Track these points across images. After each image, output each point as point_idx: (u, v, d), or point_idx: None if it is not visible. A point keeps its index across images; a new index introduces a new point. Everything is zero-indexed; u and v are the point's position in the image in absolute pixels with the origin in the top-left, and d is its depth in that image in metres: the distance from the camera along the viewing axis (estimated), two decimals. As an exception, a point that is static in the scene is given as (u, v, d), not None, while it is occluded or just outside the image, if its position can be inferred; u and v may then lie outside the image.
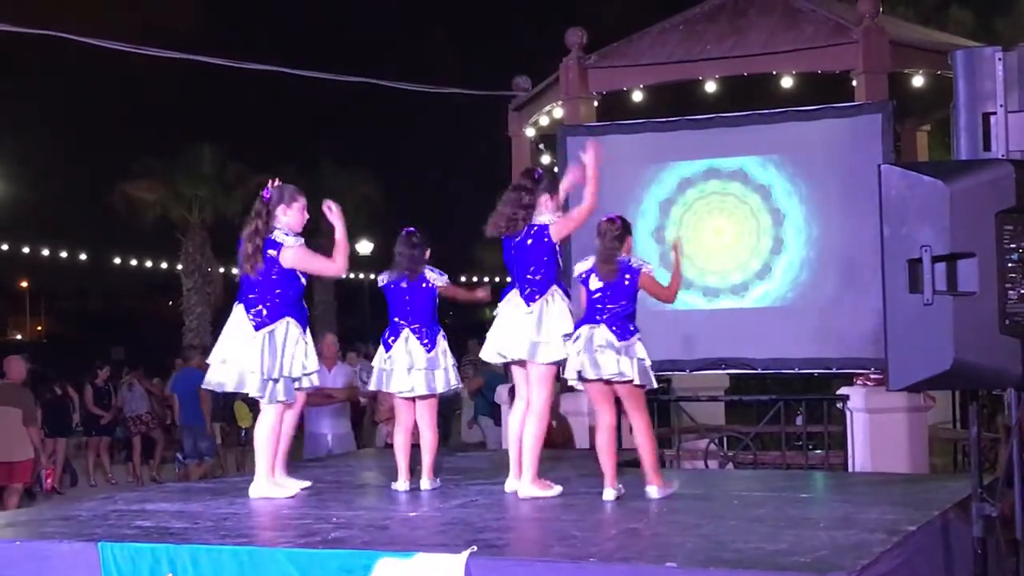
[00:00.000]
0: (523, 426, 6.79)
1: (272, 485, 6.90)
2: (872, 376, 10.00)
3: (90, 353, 21.73)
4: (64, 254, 36.26)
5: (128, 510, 6.38)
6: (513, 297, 6.84)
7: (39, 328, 55.33)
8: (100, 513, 6.28)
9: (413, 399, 7.24)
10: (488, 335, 6.96)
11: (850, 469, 9.88)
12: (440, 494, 6.91)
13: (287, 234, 6.84)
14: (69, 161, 54.06)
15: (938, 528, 5.64)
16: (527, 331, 6.69)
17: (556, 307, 6.72)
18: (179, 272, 28.86)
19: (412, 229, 7.29)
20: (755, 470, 10.09)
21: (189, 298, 27.69)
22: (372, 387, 7.47)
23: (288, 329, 6.80)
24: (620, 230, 6.66)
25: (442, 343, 7.21)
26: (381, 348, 7.30)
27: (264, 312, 6.77)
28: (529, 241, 6.77)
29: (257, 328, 6.75)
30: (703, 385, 12.49)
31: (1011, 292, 4.76)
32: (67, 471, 15.99)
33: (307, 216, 6.98)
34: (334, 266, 7.02)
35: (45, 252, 35.91)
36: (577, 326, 6.66)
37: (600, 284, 6.62)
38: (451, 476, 7.55)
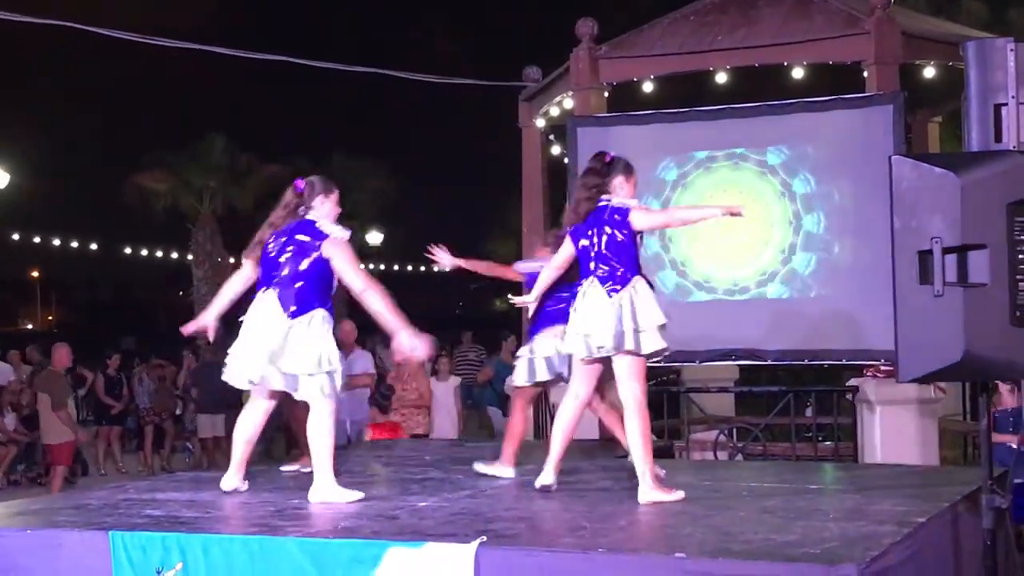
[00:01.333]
0: (573, 422, 6.33)
1: (338, 489, 6.21)
2: (882, 368, 9.99)
3: (100, 343, 21.77)
4: (75, 244, 36.32)
5: (139, 499, 6.38)
6: (591, 287, 6.07)
7: (50, 318, 55.53)
8: (111, 502, 6.28)
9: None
10: (570, 325, 6.17)
11: (860, 461, 9.88)
12: (449, 484, 6.91)
13: (332, 224, 6.33)
14: (79, 151, 54.29)
15: (948, 520, 5.63)
16: (613, 320, 5.96)
17: (642, 295, 6.03)
18: (189, 262, 28.92)
19: None
20: (765, 461, 10.08)
21: (199, 288, 27.68)
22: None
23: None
24: None
25: None
26: None
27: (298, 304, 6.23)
28: (605, 226, 6.06)
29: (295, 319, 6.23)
30: (713, 376, 12.49)
31: (1022, 284, 4.75)
32: (77, 460, 16.03)
33: (339, 209, 6.54)
34: (362, 282, 6.22)
35: (56, 242, 35.98)
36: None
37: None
38: (460, 466, 7.56)
